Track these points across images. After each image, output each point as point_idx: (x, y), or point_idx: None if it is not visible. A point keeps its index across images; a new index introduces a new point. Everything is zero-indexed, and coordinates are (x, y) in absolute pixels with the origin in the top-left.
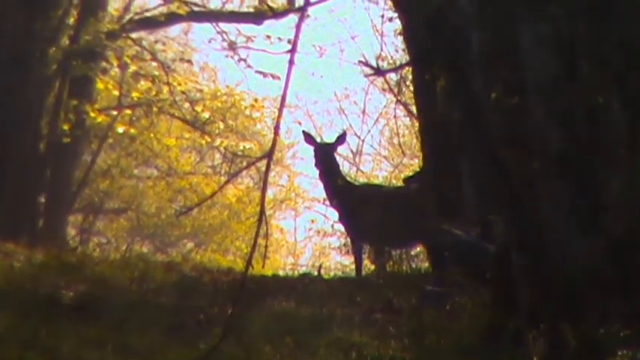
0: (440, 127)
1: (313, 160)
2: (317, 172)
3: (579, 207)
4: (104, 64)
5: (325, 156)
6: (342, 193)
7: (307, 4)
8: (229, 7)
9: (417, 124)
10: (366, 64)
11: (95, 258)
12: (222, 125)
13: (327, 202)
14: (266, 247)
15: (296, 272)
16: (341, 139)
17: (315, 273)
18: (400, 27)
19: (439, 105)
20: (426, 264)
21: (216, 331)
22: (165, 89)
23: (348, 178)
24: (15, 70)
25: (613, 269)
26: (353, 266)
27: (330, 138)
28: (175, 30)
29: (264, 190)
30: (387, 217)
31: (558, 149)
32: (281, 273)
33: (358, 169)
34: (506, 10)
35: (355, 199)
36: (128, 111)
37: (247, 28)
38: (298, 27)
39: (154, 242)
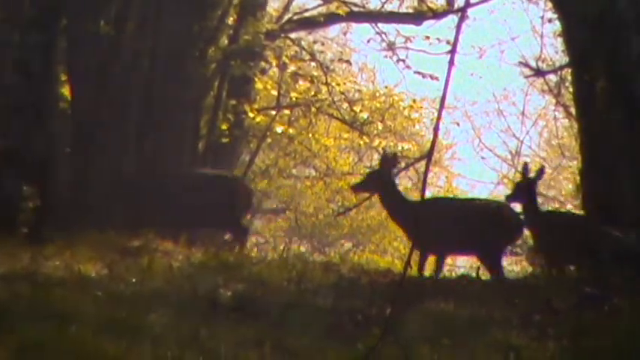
0: (600, 128)
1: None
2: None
3: None
4: (263, 64)
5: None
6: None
7: (467, 5)
8: (388, 7)
9: (576, 126)
10: (526, 65)
11: (253, 258)
12: (380, 126)
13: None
14: None
15: (454, 273)
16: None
17: (474, 274)
18: (560, 28)
19: (599, 106)
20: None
21: (375, 331)
22: (324, 89)
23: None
24: (174, 70)
25: None
26: (511, 268)
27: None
28: (334, 30)
29: (423, 190)
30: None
31: None
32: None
33: (516, 170)
34: None
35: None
36: (287, 111)
37: (406, 28)
38: (458, 28)
39: (312, 242)
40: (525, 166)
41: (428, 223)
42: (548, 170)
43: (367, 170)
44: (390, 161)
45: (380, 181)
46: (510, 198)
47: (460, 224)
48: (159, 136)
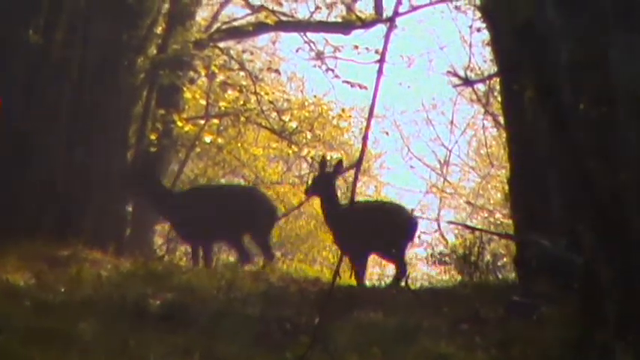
0: (528, 137)
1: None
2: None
3: None
4: (192, 73)
5: None
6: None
7: (396, 14)
8: (317, 17)
9: (504, 135)
10: (455, 74)
11: (182, 267)
12: (309, 135)
13: None
14: None
15: (383, 283)
16: None
17: (402, 283)
18: (488, 37)
19: (527, 116)
20: (513, 274)
21: (303, 340)
22: (253, 99)
23: None
24: (103, 79)
25: None
26: (440, 277)
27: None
28: (263, 39)
29: (352, 200)
30: None
31: None
32: (368, 283)
33: (445, 179)
34: (595, 21)
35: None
36: (215, 120)
37: (335, 37)
38: (387, 37)
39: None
40: (323, 160)
41: (186, 211)
42: (476, 179)
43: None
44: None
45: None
46: (309, 191)
47: (213, 211)
48: (88, 145)
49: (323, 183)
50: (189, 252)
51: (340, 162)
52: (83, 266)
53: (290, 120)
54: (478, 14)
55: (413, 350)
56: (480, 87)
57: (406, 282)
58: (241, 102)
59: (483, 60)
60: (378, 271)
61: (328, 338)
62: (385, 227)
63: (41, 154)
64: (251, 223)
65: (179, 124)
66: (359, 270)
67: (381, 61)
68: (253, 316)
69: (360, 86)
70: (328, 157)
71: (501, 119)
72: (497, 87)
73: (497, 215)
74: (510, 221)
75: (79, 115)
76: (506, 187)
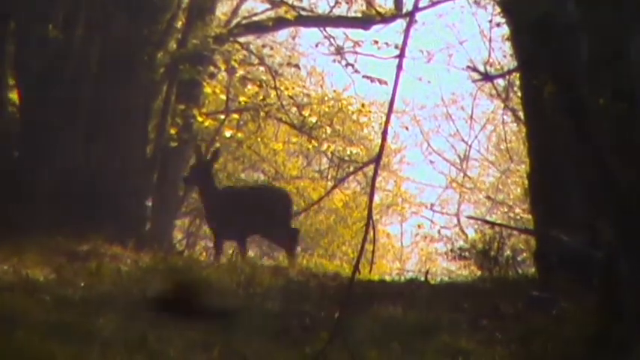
0: (547, 132)
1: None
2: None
3: None
4: (212, 68)
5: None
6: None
7: (415, 9)
8: (337, 11)
9: (524, 130)
10: (474, 69)
11: (202, 262)
12: (329, 130)
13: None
14: (373, 252)
15: (402, 277)
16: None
17: (422, 278)
18: (508, 32)
19: (547, 111)
20: (533, 269)
21: (323, 335)
22: (273, 94)
23: None
24: (123, 74)
25: None
26: (460, 272)
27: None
28: (283, 34)
29: (371, 195)
30: None
31: None
32: (387, 278)
33: (465, 174)
34: (615, 18)
35: None
36: (235, 115)
37: (355, 32)
38: (406, 32)
39: (261, 246)
40: (198, 149)
41: None
42: (496, 174)
43: None
44: None
45: None
46: (186, 180)
47: None
48: (107, 140)
49: (200, 173)
50: (209, 247)
51: (217, 151)
52: (103, 261)
53: (310, 115)
54: (498, 9)
55: (432, 345)
56: (500, 82)
57: (425, 277)
58: (261, 97)
59: (503, 55)
60: (398, 265)
61: (347, 333)
62: (258, 209)
63: (60, 149)
64: None
65: (199, 118)
66: (241, 249)
67: (401, 56)
68: (273, 311)
69: (380, 81)
70: (348, 152)
71: (521, 114)
72: (517, 82)
73: (517, 210)
74: (530, 216)
75: (99, 110)
76: (526, 182)
